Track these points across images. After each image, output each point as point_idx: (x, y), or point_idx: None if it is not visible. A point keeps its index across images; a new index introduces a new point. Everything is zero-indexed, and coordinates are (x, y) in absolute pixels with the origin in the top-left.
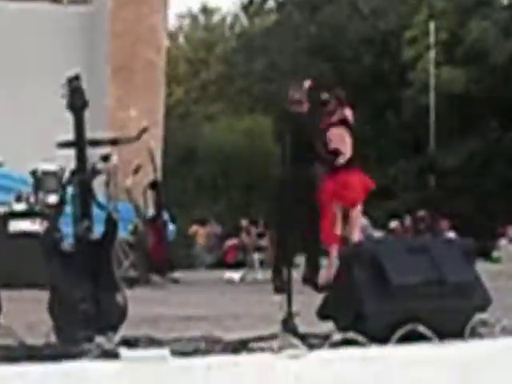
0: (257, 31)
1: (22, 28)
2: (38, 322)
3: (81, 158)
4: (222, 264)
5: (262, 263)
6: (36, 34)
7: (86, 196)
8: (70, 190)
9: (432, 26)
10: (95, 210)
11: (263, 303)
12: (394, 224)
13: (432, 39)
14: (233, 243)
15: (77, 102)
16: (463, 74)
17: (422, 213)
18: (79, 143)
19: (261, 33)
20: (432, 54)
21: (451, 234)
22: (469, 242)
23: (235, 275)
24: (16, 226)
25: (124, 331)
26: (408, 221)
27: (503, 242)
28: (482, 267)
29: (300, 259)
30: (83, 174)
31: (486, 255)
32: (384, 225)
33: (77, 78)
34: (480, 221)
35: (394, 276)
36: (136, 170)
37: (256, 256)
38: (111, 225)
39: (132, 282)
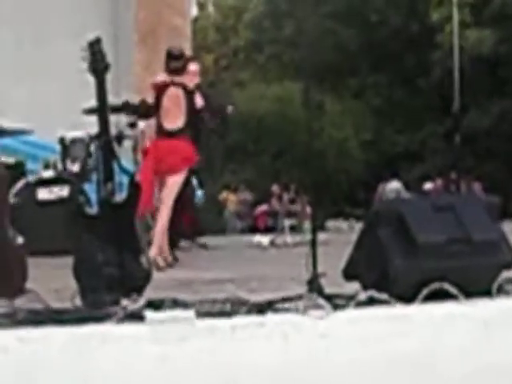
0: None
1: None
2: (65, 287)
3: (103, 121)
4: (252, 230)
5: (292, 228)
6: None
7: (108, 159)
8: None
9: None
10: (121, 177)
11: (291, 266)
12: (427, 186)
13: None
14: (264, 209)
15: (98, 65)
16: (491, 35)
17: (453, 175)
18: (101, 107)
19: None
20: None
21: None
22: (494, 200)
23: (264, 239)
24: (44, 193)
25: (150, 295)
26: (440, 183)
27: None
28: (510, 227)
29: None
30: (106, 137)
31: None
32: (416, 187)
33: (98, 41)
34: (510, 183)
35: (420, 234)
36: None
37: (287, 222)
38: (134, 188)
39: None
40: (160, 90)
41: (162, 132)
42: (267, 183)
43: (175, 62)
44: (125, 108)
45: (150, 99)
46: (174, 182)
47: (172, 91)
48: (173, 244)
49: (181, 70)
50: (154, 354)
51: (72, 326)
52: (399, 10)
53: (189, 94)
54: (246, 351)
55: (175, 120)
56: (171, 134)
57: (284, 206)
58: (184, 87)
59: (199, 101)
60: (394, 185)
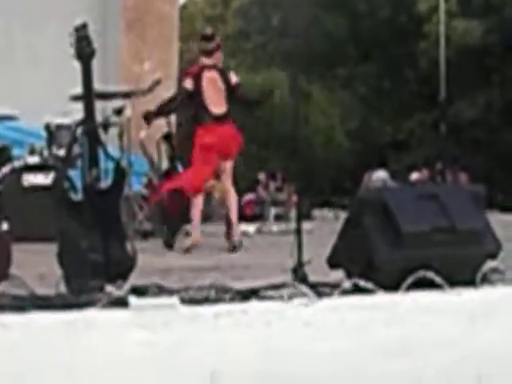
0: None
1: None
2: (50, 273)
3: (88, 107)
4: (239, 218)
5: (278, 217)
6: None
7: (94, 146)
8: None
9: None
10: (107, 164)
11: (276, 254)
12: (414, 176)
13: None
14: (250, 197)
15: (84, 50)
16: (479, 25)
17: (439, 165)
18: (86, 93)
19: None
20: (442, 4)
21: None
22: (479, 190)
23: (250, 228)
24: (29, 179)
25: (135, 281)
26: (426, 173)
27: None
28: (496, 217)
29: None
30: (91, 124)
31: (505, 208)
32: (402, 177)
33: (84, 26)
34: (497, 174)
35: (404, 223)
36: (157, 83)
37: (273, 210)
38: (119, 174)
39: (147, 235)
40: (196, 75)
41: (210, 117)
42: (254, 171)
43: (208, 43)
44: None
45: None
46: (231, 168)
47: (208, 75)
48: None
49: (214, 51)
50: (137, 339)
51: (56, 311)
52: (388, 0)
53: (223, 73)
54: (229, 338)
55: (220, 104)
56: (220, 119)
57: (270, 195)
58: (218, 68)
59: (233, 77)
60: (381, 174)
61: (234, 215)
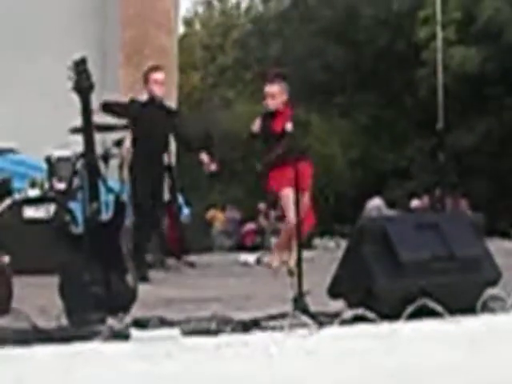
0: (271, 15)
1: (33, 10)
2: (51, 306)
3: (88, 140)
4: (240, 248)
5: None
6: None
7: (94, 179)
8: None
9: (438, 4)
10: (107, 196)
11: (277, 284)
12: (414, 203)
13: (438, 16)
14: (251, 227)
15: (83, 84)
16: (477, 53)
17: (439, 192)
18: (85, 126)
19: (275, 17)
20: (439, 32)
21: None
22: (479, 217)
23: (250, 258)
24: (30, 212)
25: (136, 313)
26: (426, 200)
27: None
28: (496, 244)
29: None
30: (91, 156)
31: (506, 235)
32: (402, 205)
33: (83, 60)
34: (498, 201)
35: (404, 252)
36: None
37: (273, 239)
38: (120, 207)
39: (147, 266)
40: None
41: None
42: (254, 201)
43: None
44: (125, 127)
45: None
46: None
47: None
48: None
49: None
50: (139, 371)
51: (58, 344)
52: (386, 29)
53: None
54: (231, 369)
55: None
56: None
57: (271, 224)
58: None
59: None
60: (376, 202)
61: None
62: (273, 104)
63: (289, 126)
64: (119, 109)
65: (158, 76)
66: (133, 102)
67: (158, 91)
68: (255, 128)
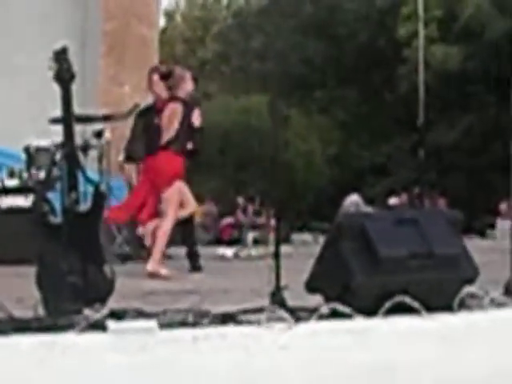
0: (253, 9)
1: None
2: (28, 296)
3: (68, 130)
4: (218, 241)
5: (256, 241)
6: (28, 6)
7: (73, 169)
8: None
9: (420, 2)
10: (86, 187)
11: (255, 278)
12: (392, 201)
13: (421, 13)
14: (229, 221)
15: (64, 74)
16: (458, 51)
17: (417, 190)
18: (66, 116)
19: (257, 11)
20: (421, 30)
21: None
22: (456, 214)
23: (228, 251)
24: (8, 202)
25: (114, 305)
26: (405, 198)
27: (499, 220)
28: (474, 243)
29: None
30: (70, 147)
31: (483, 234)
32: (380, 202)
33: (64, 50)
34: (477, 199)
35: (382, 248)
36: (135, 106)
37: (251, 234)
38: (99, 197)
39: (125, 258)
40: None
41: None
42: (232, 195)
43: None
44: (105, 119)
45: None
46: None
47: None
48: None
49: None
50: (115, 363)
51: (34, 334)
52: (367, 25)
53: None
54: (208, 362)
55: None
56: None
57: (249, 219)
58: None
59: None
60: (353, 198)
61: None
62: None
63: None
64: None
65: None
66: (139, 115)
67: (165, 93)
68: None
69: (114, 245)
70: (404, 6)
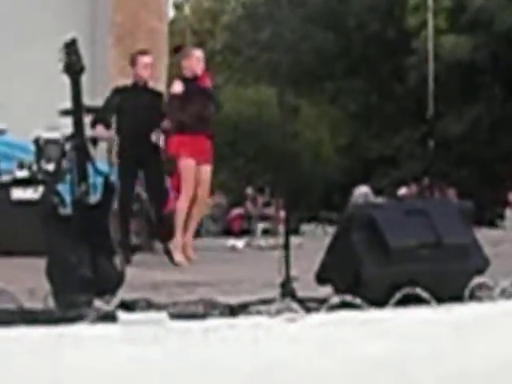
0: (262, 0)
1: None
2: (39, 288)
3: (77, 122)
4: (227, 233)
5: (265, 231)
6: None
7: (82, 161)
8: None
9: None
10: (96, 178)
11: (264, 269)
12: (402, 191)
13: (430, 3)
14: (238, 212)
15: (73, 66)
16: (467, 41)
17: (427, 181)
18: (75, 108)
19: (266, 1)
20: (430, 20)
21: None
22: (467, 205)
23: (238, 242)
24: (18, 193)
25: (123, 296)
26: (414, 189)
27: (508, 210)
28: (484, 233)
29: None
30: (80, 138)
31: (493, 224)
32: (390, 193)
33: (73, 42)
34: (486, 190)
35: (392, 239)
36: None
37: (260, 225)
38: (108, 189)
39: (135, 249)
40: None
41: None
42: (242, 186)
43: None
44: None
45: None
46: None
47: None
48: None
49: None
50: (126, 354)
51: (44, 326)
52: (376, 15)
53: None
54: (218, 353)
55: None
56: None
57: (258, 210)
58: None
59: None
60: (363, 189)
61: None
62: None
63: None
64: (103, 114)
65: (147, 60)
66: (116, 91)
67: (146, 74)
68: (178, 89)
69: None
70: None
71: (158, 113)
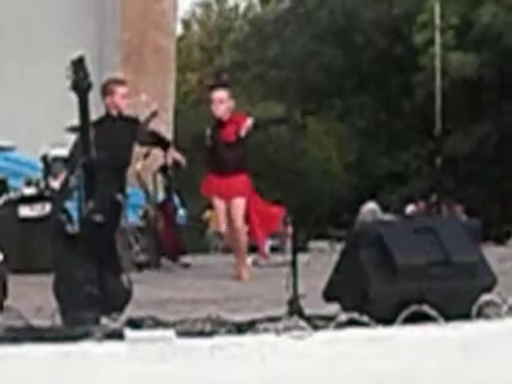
0: (270, 18)
1: (32, 9)
2: (46, 305)
3: (85, 140)
4: None
5: (273, 249)
6: (46, 16)
7: (90, 178)
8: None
9: (437, 9)
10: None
11: (272, 286)
12: (410, 208)
13: (437, 21)
14: (246, 230)
15: (81, 83)
16: (475, 58)
17: (434, 198)
18: (83, 125)
19: (274, 19)
20: (438, 37)
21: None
22: (475, 223)
23: (247, 259)
24: (25, 211)
25: (130, 313)
26: (422, 206)
27: None
28: (492, 251)
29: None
30: (87, 156)
31: (501, 242)
32: (398, 210)
33: (81, 59)
34: (493, 207)
35: (399, 257)
36: (153, 115)
37: (269, 242)
38: (116, 207)
39: (142, 267)
40: None
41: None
42: None
43: None
44: None
45: None
46: None
47: None
48: None
49: None
50: (133, 372)
51: (51, 343)
52: (384, 32)
53: None
54: (225, 371)
55: None
56: None
57: None
58: None
59: None
60: (370, 206)
61: None
62: (220, 110)
63: (242, 132)
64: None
65: (124, 90)
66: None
67: (123, 104)
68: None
69: (132, 253)
70: (420, 13)
71: (135, 140)
